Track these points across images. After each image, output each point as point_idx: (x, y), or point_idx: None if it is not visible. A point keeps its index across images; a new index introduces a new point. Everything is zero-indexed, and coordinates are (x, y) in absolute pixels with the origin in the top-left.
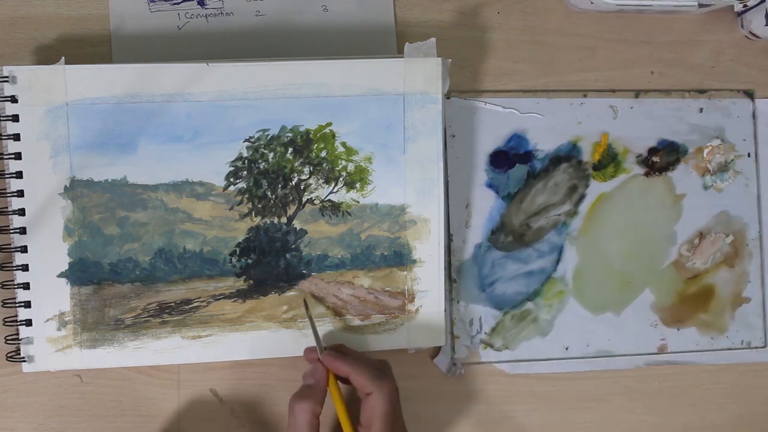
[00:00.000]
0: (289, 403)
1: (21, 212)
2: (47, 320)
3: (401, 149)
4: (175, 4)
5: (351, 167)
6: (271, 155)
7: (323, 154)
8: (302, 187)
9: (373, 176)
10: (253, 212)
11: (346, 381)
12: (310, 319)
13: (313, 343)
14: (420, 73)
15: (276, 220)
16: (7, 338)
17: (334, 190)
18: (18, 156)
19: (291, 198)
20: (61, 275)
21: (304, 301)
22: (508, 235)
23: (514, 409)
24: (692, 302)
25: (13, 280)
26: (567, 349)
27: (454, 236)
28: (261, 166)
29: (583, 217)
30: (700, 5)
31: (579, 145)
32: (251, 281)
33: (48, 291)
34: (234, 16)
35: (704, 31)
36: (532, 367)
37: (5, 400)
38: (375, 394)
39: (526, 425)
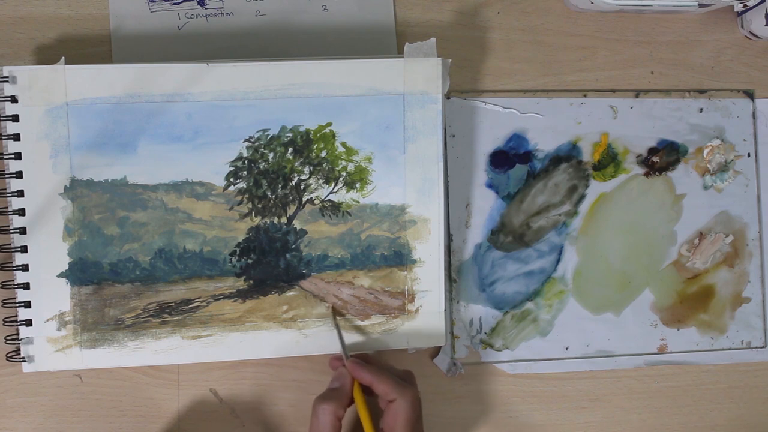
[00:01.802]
0: (313, 404)
1: (21, 212)
2: (47, 320)
3: (401, 149)
4: (175, 4)
5: (351, 167)
6: (271, 155)
7: (323, 154)
8: (302, 187)
9: (373, 176)
10: (253, 212)
11: (369, 392)
12: (337, 327)
13: (337, 350)
14: (420, 73)
15: (276, 220)
16: (7, 338)
17: (334, 190)
18: (18, 156)
19: (291, 198)
20: (61, 275)
21: (332, 309)
22: (508, 235)
23: (514, 409)
24: (692, 302)
25: (13, 280)
26: (567, 349)
27: (454, 236)
28: (261, 166)
29: (583, 217)
30: (700, 5)
31: (579, 145)
32: (251, 281)
33: (48, 291)
34: (234, 16)
35: (704, 31)
36: (532, 367)
37: (5, 400)
38: (398, 401)
39: (526, 425)
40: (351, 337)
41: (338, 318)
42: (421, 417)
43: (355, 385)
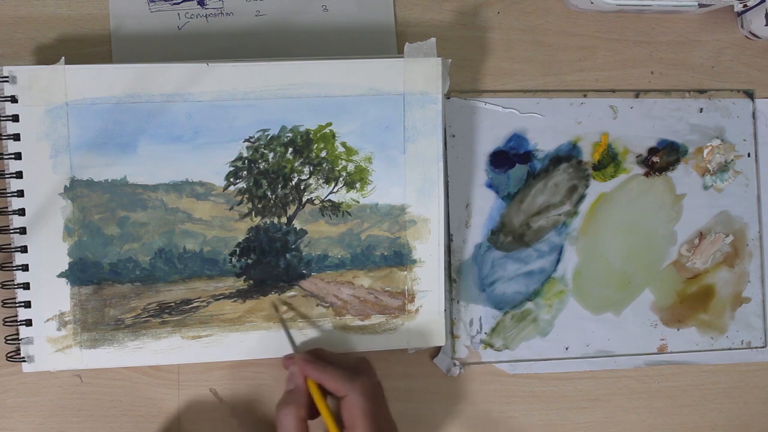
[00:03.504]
0: (275, 412)
1: (21, 212)
2: (47, 320)
3: (401, 149)
4: (175, 4)
5: (351, 167)
6: (271, 155)
7: (323, 154)
8: (302, 187)
9: (373, 176)
10: (253, 212)
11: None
12: (283, 322)
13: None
14: (420, 73)
15: (276, 220)
16: (7, 338)
17: (334, 190)
18: (18, 156)
19: (291, 198)
20: (61, 275)
21: (274, 305)
22: (508, 235)
23: (514, 409)
24: (692, 302)
25: (13, 280)
26: (567, 349)
27: (454, 236)
28: (261, 166)
29: (583, 217)
30: (700, 5)
31: (579, 145)
32: (251, 281)
33: (48, 291)
34: (234, 16)
35: (704, 31)
36: (532, 367)
37: (5, 400)
38: (349, 396)
39: (526, 425)
40: (351, 338)
41: (336, 318)
42: (382, 403)
43: (310, 383)
